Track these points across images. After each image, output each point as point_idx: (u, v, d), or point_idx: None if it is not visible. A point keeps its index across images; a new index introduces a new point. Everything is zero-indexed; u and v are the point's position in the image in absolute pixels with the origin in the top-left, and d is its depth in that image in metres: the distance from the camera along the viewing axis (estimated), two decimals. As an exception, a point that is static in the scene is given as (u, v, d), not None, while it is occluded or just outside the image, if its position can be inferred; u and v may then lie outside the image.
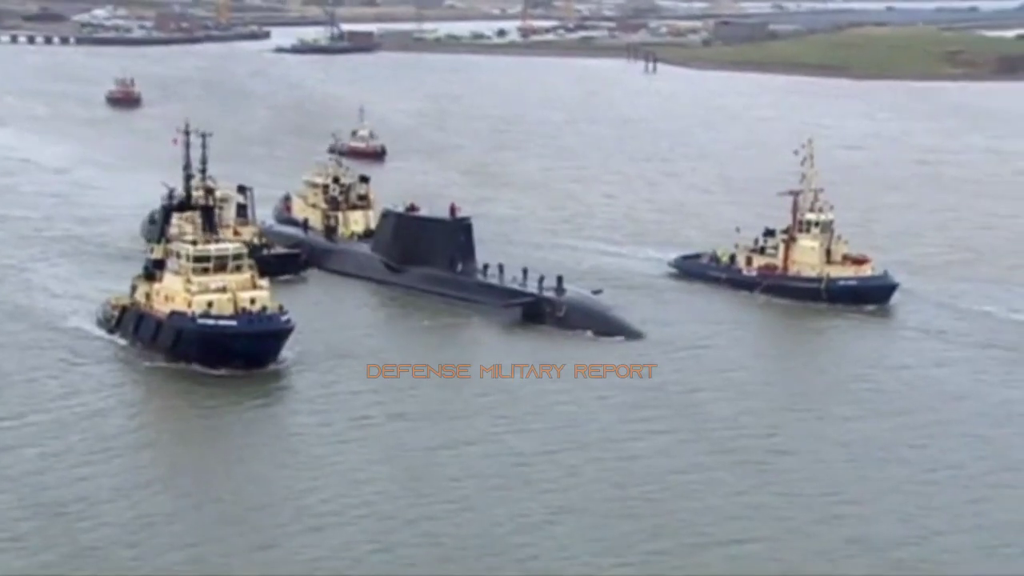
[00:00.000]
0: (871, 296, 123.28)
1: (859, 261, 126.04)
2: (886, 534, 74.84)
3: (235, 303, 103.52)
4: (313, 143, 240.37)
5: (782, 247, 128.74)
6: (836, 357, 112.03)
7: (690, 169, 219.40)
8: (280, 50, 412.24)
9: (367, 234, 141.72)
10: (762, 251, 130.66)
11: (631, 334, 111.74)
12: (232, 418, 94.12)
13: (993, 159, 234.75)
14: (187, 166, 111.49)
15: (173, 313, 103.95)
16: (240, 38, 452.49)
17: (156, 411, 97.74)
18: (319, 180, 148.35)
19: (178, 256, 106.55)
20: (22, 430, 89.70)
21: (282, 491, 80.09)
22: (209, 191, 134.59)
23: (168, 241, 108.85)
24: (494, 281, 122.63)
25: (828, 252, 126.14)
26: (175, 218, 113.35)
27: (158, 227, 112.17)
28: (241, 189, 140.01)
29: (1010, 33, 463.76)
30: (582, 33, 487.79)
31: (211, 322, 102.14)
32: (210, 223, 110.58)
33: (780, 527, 75.33)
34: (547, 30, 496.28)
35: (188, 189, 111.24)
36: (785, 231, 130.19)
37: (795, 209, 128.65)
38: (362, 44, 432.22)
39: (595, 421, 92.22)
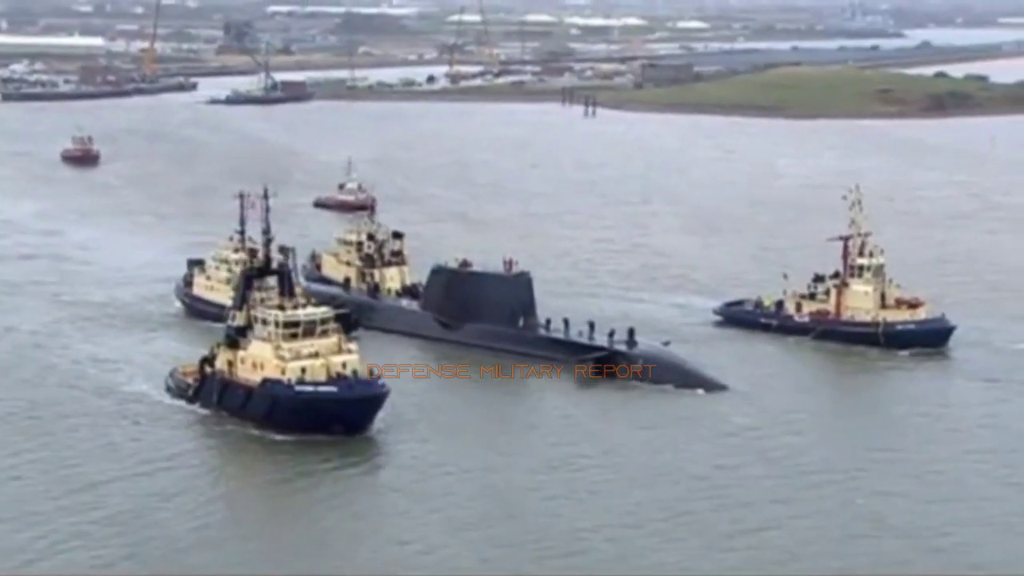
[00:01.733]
0: (929, 340, 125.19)
1: (913, 305, 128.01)
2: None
3: (328, 368, 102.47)
4: (288, 196, 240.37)
5: (834, 292, 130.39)
6: (921, 403, 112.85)
7: (671, 212, 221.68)
8: (214, 101, 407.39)
9: (405, 291, 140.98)
10: (812, 296, 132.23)
11: (713, 386, 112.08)
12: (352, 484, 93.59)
13: (960, 193, 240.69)
14: (266, 230, 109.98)
15: (266, 380, 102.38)
16: (168, 90, 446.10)
17: (263, 484, 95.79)
18: (352, 237, 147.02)
19: (264, 323, 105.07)
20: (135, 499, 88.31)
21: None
22: (253, 253, 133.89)
23: (251, 308, 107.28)
24: (559, 335, 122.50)
25: (882, 296, 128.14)
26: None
27: (239, 294, 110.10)
28: (283, 250, 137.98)
29: (928, 71, 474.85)
30: (510, 78, 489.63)
31: (310, 389, 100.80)
32: (289, 287, 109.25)
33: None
34: (474, 75, 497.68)
35: (268, 254, 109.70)
36: (834, 275, 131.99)
37: (845, 254, 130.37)
38: (296, 93, 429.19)
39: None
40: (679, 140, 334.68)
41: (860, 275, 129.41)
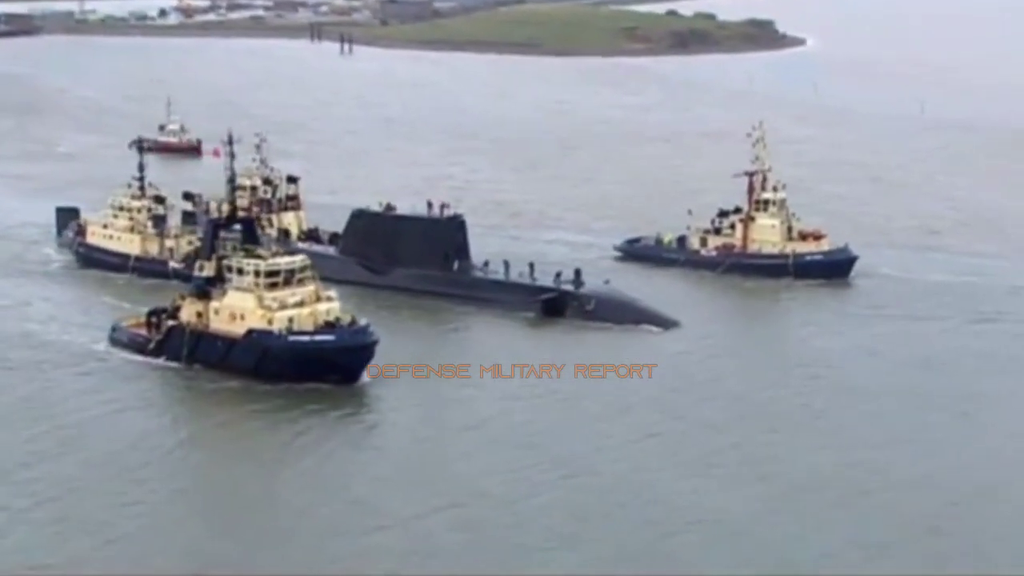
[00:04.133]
0: (835, 269, 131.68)
1: (816, 237, 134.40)
2: None
3: (315, 317, 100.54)
4: (89, 136, 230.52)
5: (739, 227, 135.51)
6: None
7: (487, 150, 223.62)
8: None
9: (306, 236, 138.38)
10: (718, 231, 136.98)
11: (667, 323, 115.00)
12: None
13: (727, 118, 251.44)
14: (232, 179, 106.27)
15: (252, 331, 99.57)
16: None
17: (265, 431, 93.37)
18: (246, 182, 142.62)
19: (241, 272, 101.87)
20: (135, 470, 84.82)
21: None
22: (160, 199, 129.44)
23: (222, 258, 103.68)
24: (499, 277, 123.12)
25: (789, 229, 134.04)
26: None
27: (206, 244, 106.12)
28: (187, 196, 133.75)
29: (657, 8, 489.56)
30: (245, 12, 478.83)
31: (305, 338, 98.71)
32: (252, 236, 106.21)
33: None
34: (206, 9, 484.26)
35: (234, 202, 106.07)
36: (736, 210, 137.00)
37: (751, 189, 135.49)
38: (24, 27, 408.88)
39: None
40: (452, 78, 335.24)
41: (766, 209, 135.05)
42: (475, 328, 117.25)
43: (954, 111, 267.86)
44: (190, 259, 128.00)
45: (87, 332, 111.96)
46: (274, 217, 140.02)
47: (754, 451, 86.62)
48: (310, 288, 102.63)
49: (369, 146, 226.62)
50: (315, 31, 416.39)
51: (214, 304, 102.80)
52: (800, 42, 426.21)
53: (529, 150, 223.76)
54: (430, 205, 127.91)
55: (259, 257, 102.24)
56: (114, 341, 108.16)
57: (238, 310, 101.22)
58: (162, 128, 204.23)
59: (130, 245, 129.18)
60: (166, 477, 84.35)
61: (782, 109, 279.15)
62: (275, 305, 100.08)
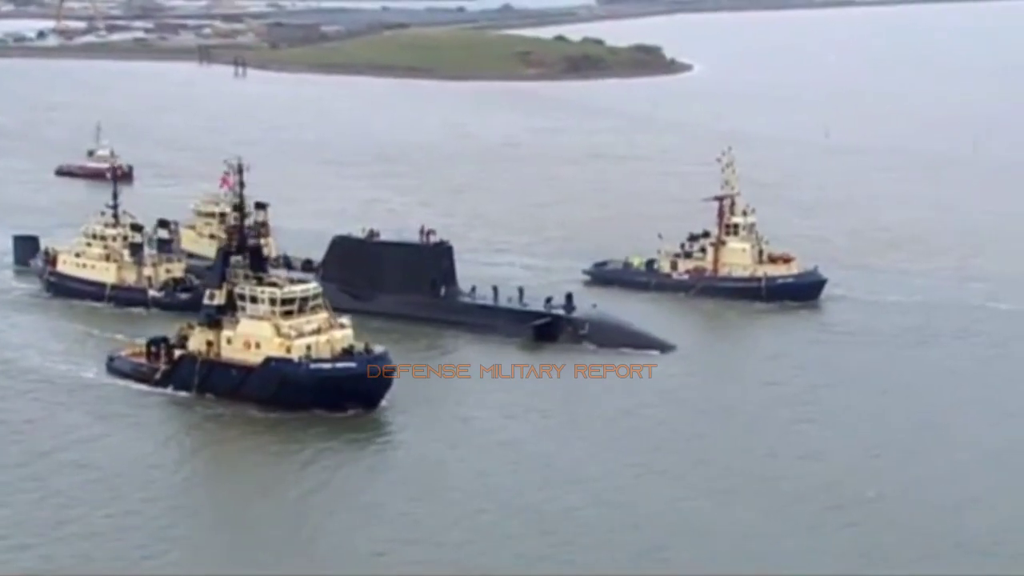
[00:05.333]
0: (805, 292, 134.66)
1: (785, 260, 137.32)
2: None
3: (332, 345, 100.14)
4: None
5: (710, 250, 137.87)
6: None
7: (404, 172, 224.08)
8: None
9: (276, 263, 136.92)
10: (688, 255, 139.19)
11: (664, 347, 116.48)
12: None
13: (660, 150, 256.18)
14: (240, 206, 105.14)
15: (270, 359, 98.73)
16: None
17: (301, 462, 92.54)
18: (214, 208, 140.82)
19: (255, 300, 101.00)
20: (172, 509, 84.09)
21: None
22: (136, 227, 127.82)
23: (233, 286, 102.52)
24: (488, 302, 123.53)
25: (760, 252, 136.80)
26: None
27: (216, 272, 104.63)
28: (163, 224, 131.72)
29: (543, 33, 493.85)
30: (125, 35, 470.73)
31: (327, 366, 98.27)
32: (260, 263, 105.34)
33: None
34: (84, 31, 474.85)
35: (243, 230, 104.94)
36: (704, 234, 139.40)
37: (721, 213, 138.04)
38: None
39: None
40: (357, 102, 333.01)
41: (736, 233, 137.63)
42: (468, 353, 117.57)
43: (856, 136, 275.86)
44: (169, 288, 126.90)
45: (78, 362, 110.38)
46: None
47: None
48: (323, 316, 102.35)
49: (293, 171, 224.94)
50: (203, 54, 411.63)
51: (226, 333, 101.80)
52: (688, 68, 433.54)
53: (451, 174, 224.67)
54: (423, 232, 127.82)
55: (274, 285, 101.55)
56: (113, 370, 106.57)
57: (253, 338, 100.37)
58: (91, 153, 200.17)
59: (105, 274, 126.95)
60: (194, 500, 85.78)
61: (687, 133, 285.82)
62: (293, 333, 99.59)
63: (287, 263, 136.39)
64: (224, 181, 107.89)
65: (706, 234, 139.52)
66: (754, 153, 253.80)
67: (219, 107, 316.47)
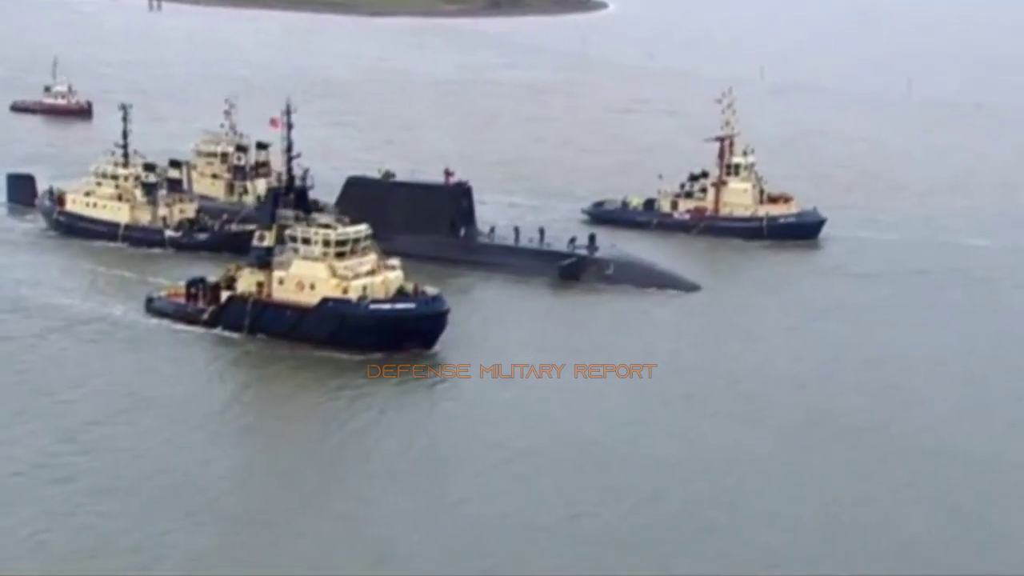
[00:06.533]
0: (806, 231, 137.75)
1: (785, 199, 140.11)
2: None
3: (386, 286, 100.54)
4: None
5: (711, 190, 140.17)
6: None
7: (368, 111, 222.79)
8: None
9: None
10: (689, 195, 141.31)
11: (688, 286, 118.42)
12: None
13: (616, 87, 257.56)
14: (288, 148, 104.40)
15: (327, 300, 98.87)
16: None
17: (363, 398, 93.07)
18: (216, 148, 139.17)
19: (307, 242, 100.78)
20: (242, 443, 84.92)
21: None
22: (150, 167, 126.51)
23: (283, 227, 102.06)
24: (510, 243, 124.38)
25: (760, 192, 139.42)
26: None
27: (265, 212, 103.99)
28: (175, 164, 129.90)
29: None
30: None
31: (386, 306, 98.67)
32: (305, 205, 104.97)
33: None
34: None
35: (291, 171, 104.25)
36: (703, 174, 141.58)
37: (722, 153, 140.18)
38: None
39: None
40: (281, 37, 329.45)
41: (737, 173, 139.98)
42: (496, 293, 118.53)
43: (789, 75, 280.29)
44: (185, 227, 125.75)
45: (112, 301, 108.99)
46: (248, 184, 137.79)
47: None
48: (373, 257, 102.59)
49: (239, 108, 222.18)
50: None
51: (278, 274, 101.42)
52: (604, 6, 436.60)
53: (401, 112, 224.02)
54: (447, 173, 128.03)
55: (328, 227, 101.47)
56: (153, 311, 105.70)
57: (307, 279, 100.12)
58: (47, 89, 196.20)
59: (118, 213, 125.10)
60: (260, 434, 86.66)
61: (626, 71, 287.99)
62: (349, 274, 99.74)
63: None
64: (274, 123, 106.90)
65: (705, 174, 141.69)
66: (697, 92, 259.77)
67: (143, 41, 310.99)
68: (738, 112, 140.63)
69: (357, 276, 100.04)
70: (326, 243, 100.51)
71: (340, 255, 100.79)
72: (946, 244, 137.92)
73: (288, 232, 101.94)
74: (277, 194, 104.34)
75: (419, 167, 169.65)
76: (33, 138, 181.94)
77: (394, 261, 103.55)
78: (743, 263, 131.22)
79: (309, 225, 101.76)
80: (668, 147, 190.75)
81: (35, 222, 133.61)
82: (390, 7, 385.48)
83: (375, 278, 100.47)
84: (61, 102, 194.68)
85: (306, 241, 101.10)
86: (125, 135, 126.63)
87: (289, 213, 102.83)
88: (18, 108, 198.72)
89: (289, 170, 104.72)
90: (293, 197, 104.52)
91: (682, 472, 79.13)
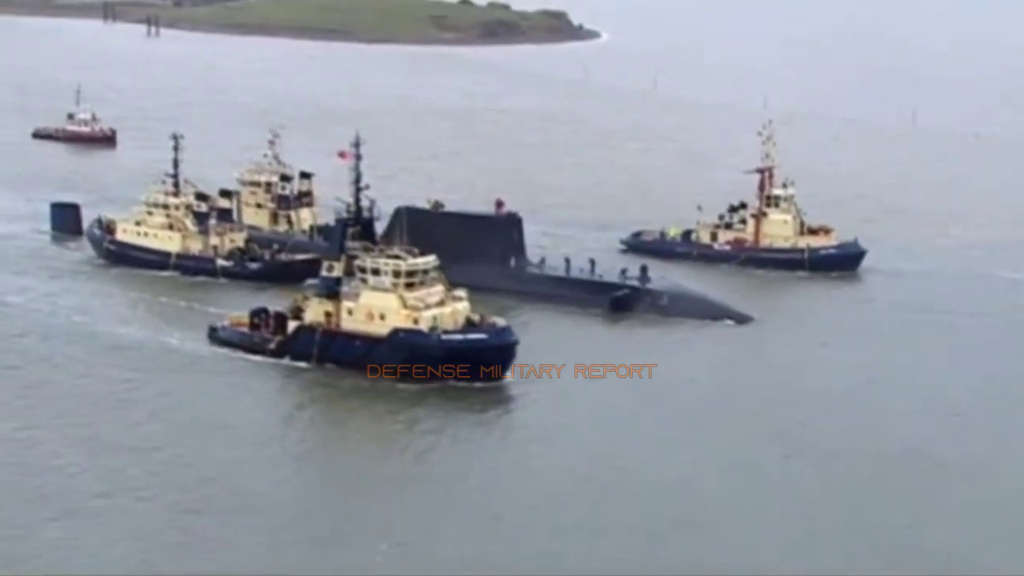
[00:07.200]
0: (846, 263, 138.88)
1: (825, 231, 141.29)
2: None
3: (455, 317, 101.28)
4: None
5: (751, 221, 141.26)
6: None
7: (386, 140, 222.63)
8: None
9: (321, 232, 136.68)
10: (728, 226, 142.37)
11: (741, 318, 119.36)
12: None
13: (618, 117, 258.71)
14: (357, 180, 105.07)
15: (398, 330, 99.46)
16: None
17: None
18: (260, 178, 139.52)
19: (377, 272, 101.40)
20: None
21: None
22: (202, 197, 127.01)
23: (351, 258, 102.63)
24: (560, 274, 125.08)
25: (801, 224, 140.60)
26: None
27: (335, 243, 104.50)
28: (225, 194, 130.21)
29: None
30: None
31: (459, 337, 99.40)
32: (371, 236, 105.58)
33: None
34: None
35: (359, 202, 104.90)
36: (741, 206, 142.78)
37: (762, 185, 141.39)
38: None
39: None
40: (282, 64, 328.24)
41: (777, 205, 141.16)
42: (549, 325, 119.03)
43: (791, 103, 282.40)
44: (236, 256, 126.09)
45: (174, 331, 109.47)
46: (292, 214, 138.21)
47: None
48: (440, 287, 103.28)
49: (252, 136, 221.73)
50: (108, 11, 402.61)
51: (347, 304, 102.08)
52: (596, 35, 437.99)
53: (414, 140, 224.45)
54: (498, 204, 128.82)
55: (398, 257, 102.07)
56: (219, 340, 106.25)
57: (378, 310, 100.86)
58: (71, 116, 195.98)
59: (169, 243, 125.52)
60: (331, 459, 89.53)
61: (635, 100, 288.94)
62: (420, 305, 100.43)
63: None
64: (343, 155, 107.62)
65: (744, 205, 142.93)
66: (705, 122, 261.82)
67: (146, 67, 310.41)
68: (777, 144, 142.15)
69: (427, 307, 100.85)
70: (396, 274, 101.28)
71: (410, 286, 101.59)
72: (984, 276, 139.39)
73: (357, 263, 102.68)
74: (346, 224, 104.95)
75: (445, 196, 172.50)
76: (58, 165, 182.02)
77: (460, 292, 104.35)
78: (789, 294, 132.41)
79: (378, 256, 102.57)
80: (679, 175, 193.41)
81: (81, 251, 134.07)
82: (387, 35, 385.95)
83: (444, 309, 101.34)
84: (85, 129, 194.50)
85: (375, 272, 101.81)
86: (175, 164, 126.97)
87: (357, 244, 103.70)
88: (40, 135, 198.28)
89: (357, 201, 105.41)
90: (362, 228, 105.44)
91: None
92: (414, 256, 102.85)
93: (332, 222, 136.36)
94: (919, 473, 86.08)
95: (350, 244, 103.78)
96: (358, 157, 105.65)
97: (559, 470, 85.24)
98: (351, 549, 73.40)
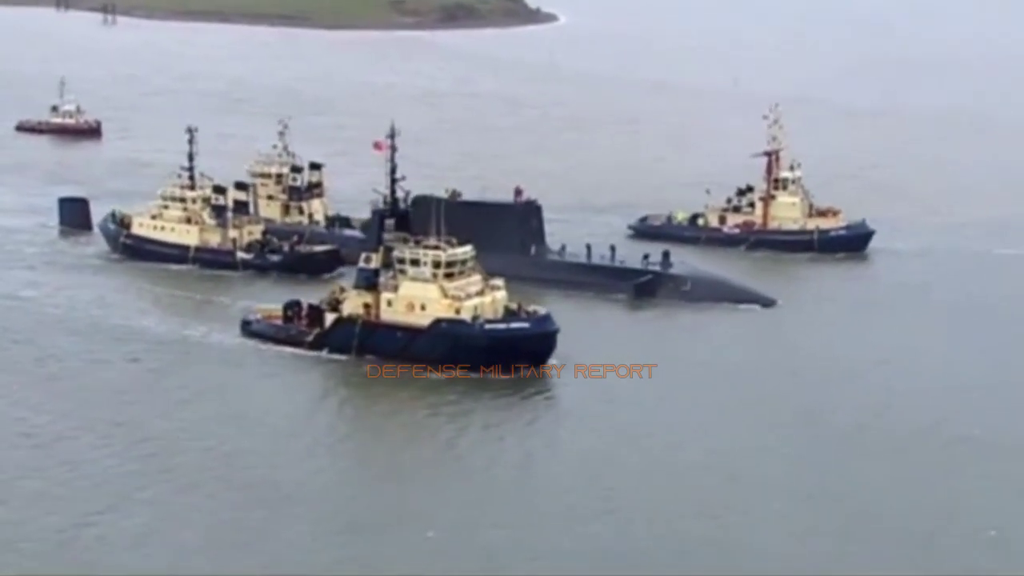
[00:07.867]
0: (855, 244, 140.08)
1: (833, 213, 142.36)
2: None
3: (495, 306, 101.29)
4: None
5: (759, 204, 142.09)
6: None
7: (352, 125, 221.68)
8: None
9: (333, 222, 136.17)
10: (736, 209, 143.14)
11: (765, 301, 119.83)
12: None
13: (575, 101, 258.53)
14: (393, 171, 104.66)
15: (440, 320, 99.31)
16: None
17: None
18: (271, 170, 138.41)
19: (416, 263, 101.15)
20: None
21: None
22: (219, 190, 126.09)
23: (389, 249, 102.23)
24: (582, 260, 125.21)
25: (810, 206, 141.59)
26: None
27: (372, 235, 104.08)
28: (241, 186, 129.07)
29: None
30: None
31: (501, 326, 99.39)
32: (407, 227, 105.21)
33: None
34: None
35: (394, 194, 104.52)
36: (748, 189, 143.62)
37: (770, 168, 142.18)
38: None
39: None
40: (244, 50, 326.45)
41: (785, 188, 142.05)
42: (576, 311, 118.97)
43: (761, 84, 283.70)
44: (255, 249, 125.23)
45: (205, 324, 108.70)
46: (303, 204, 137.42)
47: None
48: (478, 277, 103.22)
49: (230, 124, 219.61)
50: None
51: (386, 295, 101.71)
52: (554, 17, 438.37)
53: (402, 128, 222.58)
54: (517, 191, 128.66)
55: (437, 248, 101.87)
56: (252, 333, 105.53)
57: (418, 300, 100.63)
58: (55, 109, 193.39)
59: (187, 236, 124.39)
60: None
61: (613, 85, 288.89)
62: (461, 295, 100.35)
63: (345, 223, 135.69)
64: (378, 146, 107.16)
65: (750, 188, 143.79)
66: (679, 103, 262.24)
67: (106, 56, 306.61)
68: (785, 127, 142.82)
69: (468, 296, 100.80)
70: (436, 264, 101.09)
71: (449, 275, 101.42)
72: (984, 254, 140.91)
73: (395, 254, 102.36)
74: (383, 216, 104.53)
75: (440, 184, 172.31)
76: (45, 158, 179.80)
77: (498, 281, 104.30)
78: (804, 276, 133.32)
79: (417, 246, 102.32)
80: (666, 159, 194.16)
81: (92, 245, 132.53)
82: (347, 21, 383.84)
83: (484, 298, 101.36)
84: (70, 121, 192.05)
85: (415, 262, 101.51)
86: (191, 158, 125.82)
87: (396, 235, 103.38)
88: (24, 128, 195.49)
89: (393, 192, 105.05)
90: (396, 220, 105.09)
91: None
92: (452, 246, 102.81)
93: (339, 213, 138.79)
94: (972, 452, 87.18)
95: (387, 236, 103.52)
96: (393, 148, 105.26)
97: (591, 454, 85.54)
98: (397, 537, 73.38)
